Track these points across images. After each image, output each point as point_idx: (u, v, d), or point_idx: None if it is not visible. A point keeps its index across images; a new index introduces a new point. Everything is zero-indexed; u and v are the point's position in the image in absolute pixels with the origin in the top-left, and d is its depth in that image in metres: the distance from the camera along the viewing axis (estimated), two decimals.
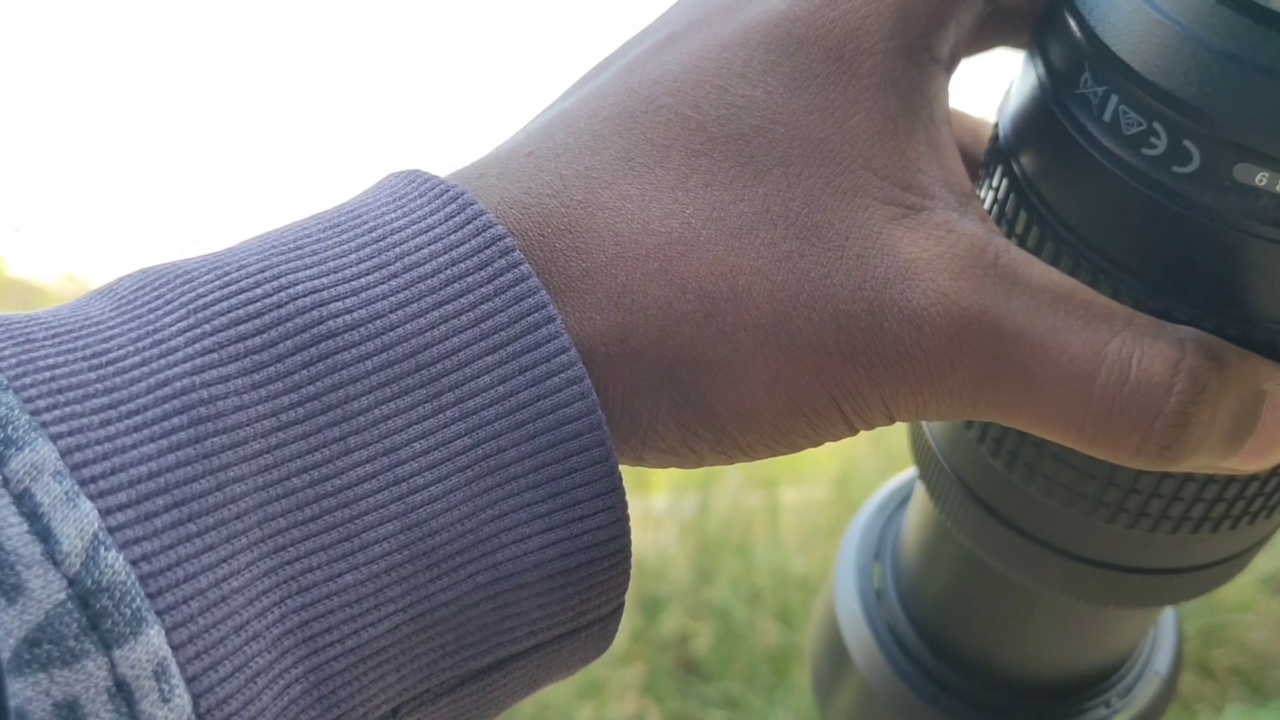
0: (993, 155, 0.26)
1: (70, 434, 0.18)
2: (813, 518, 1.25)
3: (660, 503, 1.25)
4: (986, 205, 0.26)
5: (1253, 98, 0.20)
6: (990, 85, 0.29)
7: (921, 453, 0.31)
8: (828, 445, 0.24)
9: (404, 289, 0.21)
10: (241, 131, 1.75)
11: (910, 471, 0.36)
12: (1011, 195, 0.25)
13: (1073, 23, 0.23)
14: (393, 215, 0.22)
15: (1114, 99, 0.22)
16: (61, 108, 1.80)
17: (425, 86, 1.76)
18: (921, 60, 0.23)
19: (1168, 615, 0.37)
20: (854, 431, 0.23)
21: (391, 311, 0.20)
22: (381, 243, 0.21)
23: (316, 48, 1.84)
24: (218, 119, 1.77)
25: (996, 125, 0.26)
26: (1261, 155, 0.20)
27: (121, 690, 0.17)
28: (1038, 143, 0.24)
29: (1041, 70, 0.24)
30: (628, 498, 0.22)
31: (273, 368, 0.19)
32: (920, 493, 0.34)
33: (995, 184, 0.26)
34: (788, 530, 1.23)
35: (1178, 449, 0.22)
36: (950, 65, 0.25)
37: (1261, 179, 0.20)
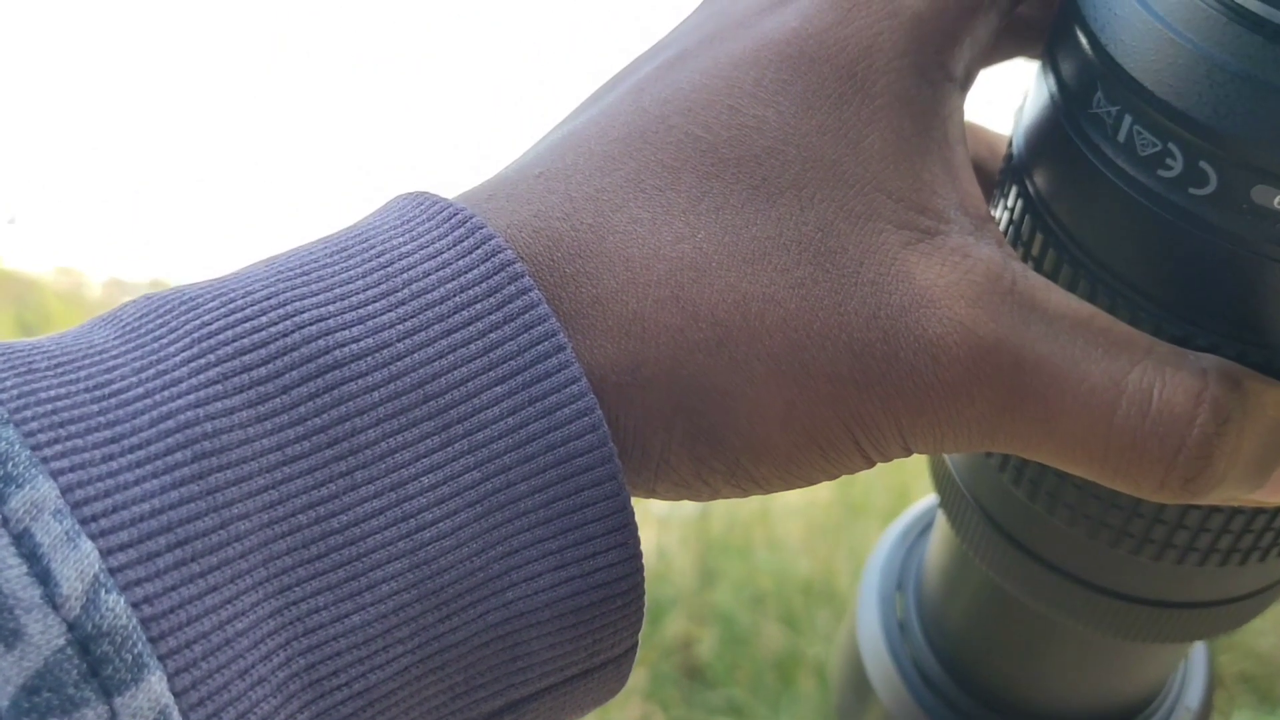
0: (1007, 173, 0.26)
1: (71, 470, 0.17)
2: (815, 517, 1.24)
3: (661, 504, 1.24)
4: (1001, 225, 0.25)
5: (1270, 118, 0.20)
6: (1006, 94, 0.29)
7: (942, 481, 0.31)
8: None
9: (411, 316, 0.20)
10: (241, 131, 1.74)
11: (931, 499, 0.36)
12: (1027, 216, 0.24)
13: (1084, 39, 0.22)
14: (400, 240, 0.21)
15: (1128, 119, 0.21)
16: (60, 102, 1.80)
17: (425, 86, 1.75)
18: (936, 78, 0.23)
19: (1199, 648, 0.37)
20: (870, 464, 0.22)
21: (399, 340, 0.20)
22: (389, 268, 0.21)
23: (316, 48, 1.84)
24: (218, 118, 1.76)
25: (1011, 142, 0.26)
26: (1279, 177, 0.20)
27: None
28: (1052, 162, 0.24)
29: (1054, 87, 0.23)
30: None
31: (278, 399, 0.19)
32: (942, 522, 0.33)
33: (1010, 204, 0.25)
34: (790, 531, 1.22)
35: (1202, 482, 0.21)
36: (965, 83, 0.24)
37: None
